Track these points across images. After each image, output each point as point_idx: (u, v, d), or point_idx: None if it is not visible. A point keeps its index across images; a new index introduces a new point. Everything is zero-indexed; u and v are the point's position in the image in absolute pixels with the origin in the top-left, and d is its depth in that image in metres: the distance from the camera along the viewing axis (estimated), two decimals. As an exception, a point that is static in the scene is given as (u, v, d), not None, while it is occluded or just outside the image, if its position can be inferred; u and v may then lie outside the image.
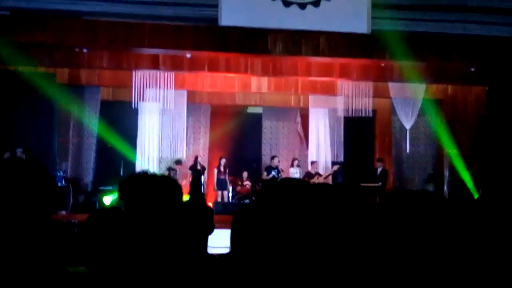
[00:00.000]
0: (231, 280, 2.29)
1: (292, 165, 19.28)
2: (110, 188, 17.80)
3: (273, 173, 18.64)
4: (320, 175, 19.22)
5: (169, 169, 18.69)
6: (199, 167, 18.56)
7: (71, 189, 17.62)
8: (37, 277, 1.97)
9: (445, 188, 19.29)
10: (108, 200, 17.16)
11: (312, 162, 19.75)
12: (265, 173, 19.06)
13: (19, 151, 16.46)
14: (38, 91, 17.29)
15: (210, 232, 4.27)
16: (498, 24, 15.80)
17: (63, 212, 15.83)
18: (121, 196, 2.45)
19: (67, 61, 16.91)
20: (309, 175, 18.82)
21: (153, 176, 2.50)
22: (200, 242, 4.01)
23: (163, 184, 2.43)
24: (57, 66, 17.41)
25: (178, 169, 18.91)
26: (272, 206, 2.36)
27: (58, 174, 17.47)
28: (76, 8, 14.60)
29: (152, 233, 2.35)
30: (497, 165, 17.41)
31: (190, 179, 18.34)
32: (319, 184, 3.73)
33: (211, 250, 4.39)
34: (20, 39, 14.81)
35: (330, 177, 19.89)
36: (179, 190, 2.48)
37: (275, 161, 19.16)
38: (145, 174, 2.52)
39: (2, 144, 16.49)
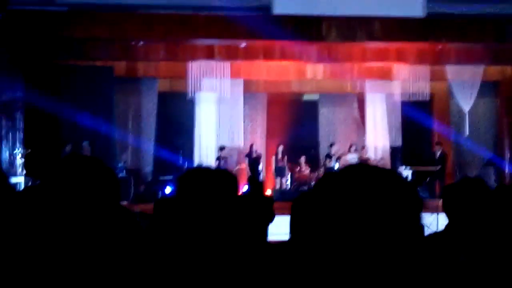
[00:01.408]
0: (291, 268, 2.35)
1: (349, 151, 19.17)
2: (170, 177, 18.01)
3: (332, 160, 18.62)
4: (371, 160, 19.10)
5: (218, 158, 18.69)
6: (254, 155, 18.60)
7: (131, 179, 17.89)
8: (104, 264, 2.06)
9: (506, 169, 19.00)
10: (168, 190, 17.35)
11: (362, 147, 19.63)
12: (325, 160, 18.97)
13: (85, 144, 16.79)
14: (97, 84, 17.63)
15: (271, 220, 4.34)
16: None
17: (125, 202, 16.07)
18: (178, 193, 2.51)
19: (124, 54, 17.17)
20: (361, 160, 18.73)
21: (208, 170, 2.54)
22: (260, 231, 4.08)
23: (217, 178, 2.48)
24: (114, 59, 17.68)
25: (229, 157, 18.96)
26: (333, 194, 2.39)
27: (119, 165, 17.75)
28: (131, 2, 14.84)
29: (209, 225, 2.40)
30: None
31: (244, 167, 18.41)
32: (384, 169, 3.67)
33: (271, 237, 4.46)
34: (77, 35, 15.12)
35: (389, 161, 19.77)
36: (234, 182, 2.53)
37: (334, 148, 19.07)
38: (199, 169, 2.57)
39: (65, 137, 16.84)
